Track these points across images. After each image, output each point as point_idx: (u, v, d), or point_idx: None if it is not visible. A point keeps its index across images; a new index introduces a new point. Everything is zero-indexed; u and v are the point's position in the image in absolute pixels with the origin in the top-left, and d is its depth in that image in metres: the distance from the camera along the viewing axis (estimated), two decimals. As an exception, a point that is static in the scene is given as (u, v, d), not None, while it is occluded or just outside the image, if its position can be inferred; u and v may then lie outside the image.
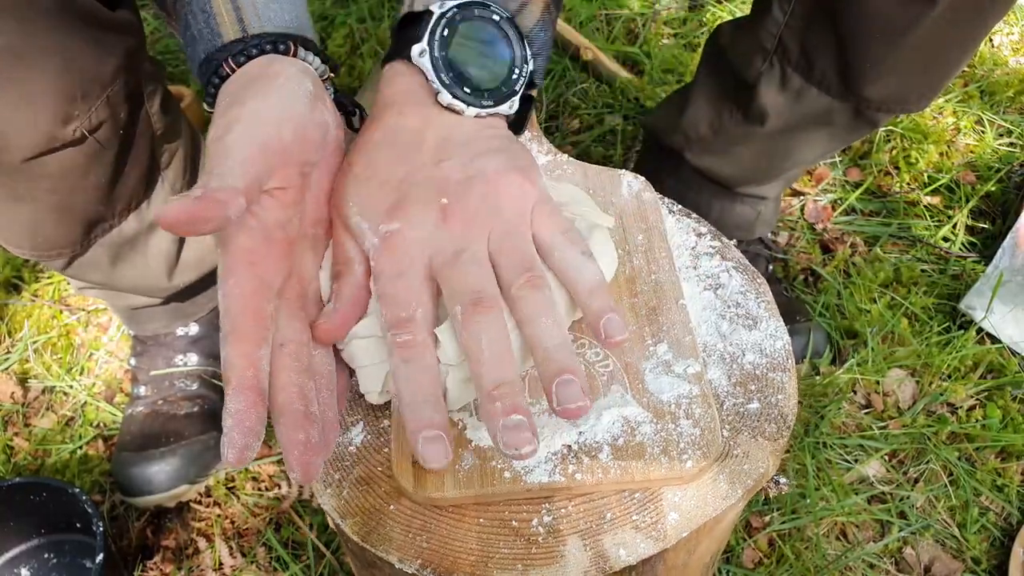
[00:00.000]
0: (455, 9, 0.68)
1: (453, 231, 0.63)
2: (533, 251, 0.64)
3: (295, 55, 0.68)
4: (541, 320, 0.60)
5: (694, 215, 0.81)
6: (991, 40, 1.88)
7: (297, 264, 0.65)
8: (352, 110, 0.74)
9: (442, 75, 0.67)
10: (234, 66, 0.65)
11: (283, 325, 0.61)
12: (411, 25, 0.69)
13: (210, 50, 0.67)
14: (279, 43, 0.67)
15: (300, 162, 0.63)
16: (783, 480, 1.22)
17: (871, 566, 1.17)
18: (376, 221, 0.64)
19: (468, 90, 0.67)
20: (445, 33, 0.67)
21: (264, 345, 0.59)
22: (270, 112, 0.62)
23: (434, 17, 0.67)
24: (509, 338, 0.60)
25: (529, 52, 0.70)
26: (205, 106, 0.69)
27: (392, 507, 0.62)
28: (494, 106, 0.68)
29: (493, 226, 0.63)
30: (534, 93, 0.75)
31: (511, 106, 0.70)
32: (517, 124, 0.75)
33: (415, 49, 0.67)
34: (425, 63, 0.67)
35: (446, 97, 0.67)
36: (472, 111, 0.68)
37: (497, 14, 0.69)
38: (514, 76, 0.69)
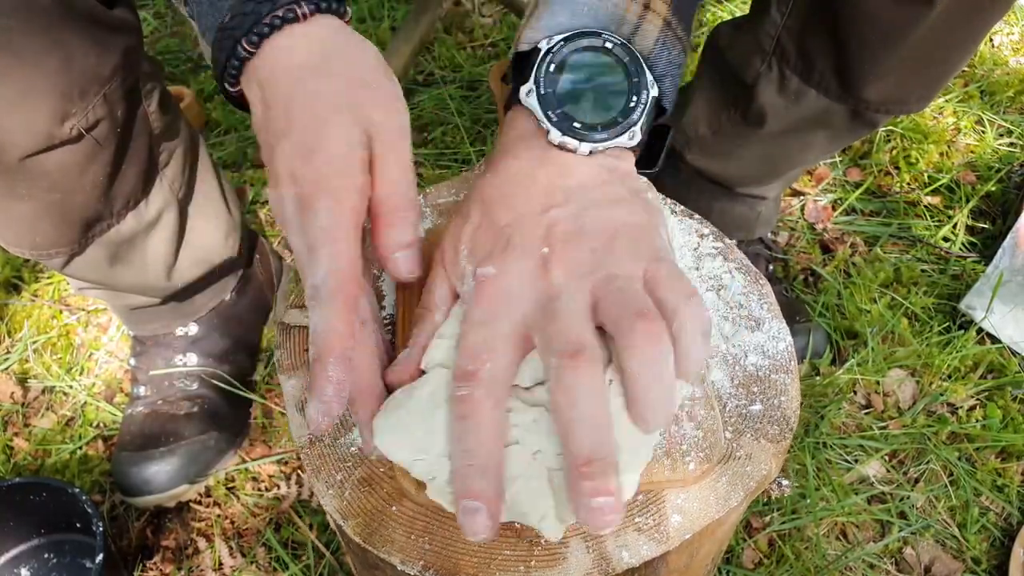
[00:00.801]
0: (561, 42, 0.64)
1: (551, 282, 0.59)
2: (647, 298, 0.56)
3: (323, 7, 0.66)
4: (651, 379, 0.53)
5: (696, 216, 0.81)
6: (991, 40, 1.88)
7: None
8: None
9: (550, 112, 0.63)
10: (268, 27, 0.64)
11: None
12: (521, 67, 0.66)
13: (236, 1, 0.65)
14: None
15: None
16: (785, 482, 1.22)
17: (871, 566, 1.17)
18: (477, 264, 0.61)
19: (579, 125, 0.63)
20: (551, 68, 0.64)
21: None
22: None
23: (540, 54, 0.64)
24: (607, 398, 0.54)
25: (650, 77, 0.65)
26: (227, 86, 0.68)
27: (394, 508, 0.62)
28: (609, 139, 0.63)
29: (597, 279, 0.58)
30: (667, 121, 0.69)
31: (631, 137, 0.64)
32: (651, 158, 0.70)
33: (523, 89, 0.64)
34: (532, 102, 0.63)
35: (556, 135, 0.63)
36: (586, 147, 0.63)
37: (610, 41, 0.65)
38: (631, 105, 0.64)
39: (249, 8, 0.65)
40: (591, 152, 0.63)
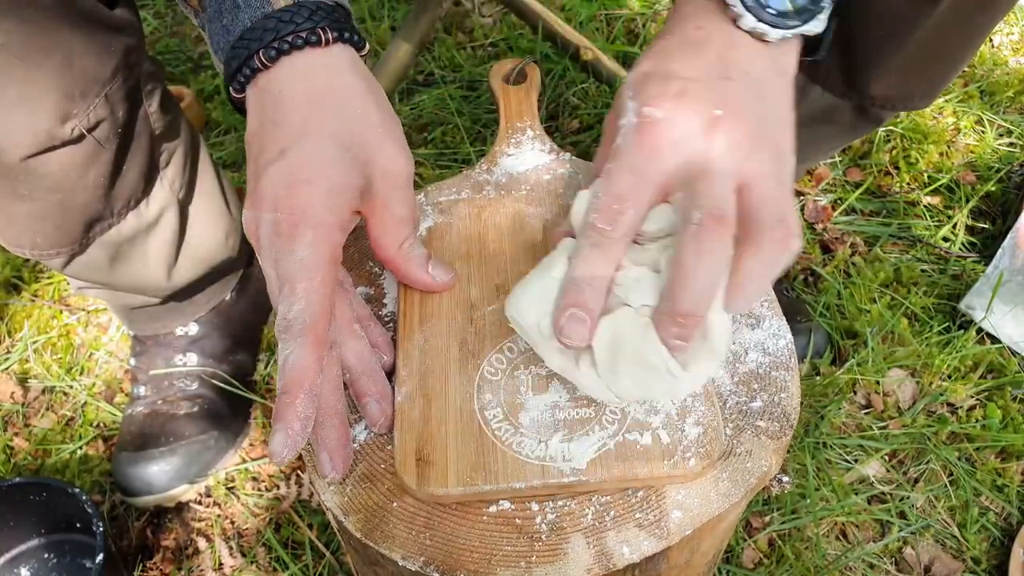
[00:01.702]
0: None
1: (714, 144, 0.60)
2: (788, 206, 0.60)
3: (346, 37, 0.68)
4: (760, 277, 0.59)
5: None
6: (991, 40, 1.88)
7: None
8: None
9: None
10: (288, 44, 0.65)
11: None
12: None
13: (257, 17, 0.66)
14: (333, 12, 0.67)
15: None
16: (786, 478, 1.22)
17: (871, 566, 1.17)
18: (643, 103, 0.61)
19: (773, 12, 0.62)
20: None
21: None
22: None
23: None
24: (724, 273, 0.59)
25: None
26: (232, 91, 0.68)
27: (395, 504, 0.62)
28: (801, 26, 0.64)
29: (753, 167, 0.60)
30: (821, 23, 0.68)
31: (820, 23, 0.64)
32: (815, 48, 0.70)
33: None
34: None
35: (749, 21, 0.62)
36: (777, 33, 0.63)
37: None
38: None
39: (271, 24, 0.65)
40: (781, 39, 0.63)
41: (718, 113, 0.60)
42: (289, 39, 0.65)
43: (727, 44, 0.63)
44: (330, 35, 0.67)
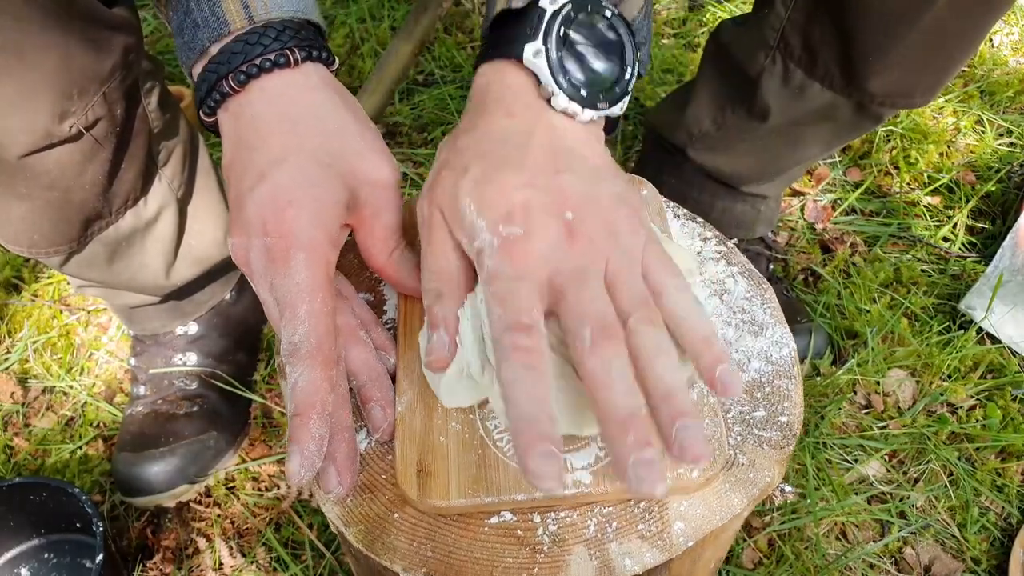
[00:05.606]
0: (569, 6, 0.63)
1: (576, 250, 0.58)
2: (646, 288, 0.59)
3: (314, 56, 0.68)
4: (661, 358, 0.54)
5: (699, 219, 0.80)
6: (991, 40, 1.88)
7: None
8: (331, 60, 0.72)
9: (559, 77, 0.62)
10: (257, 67, 0.65)
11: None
12: (511, 23, 0.65)
13: (215, 38, 0.67)
14: (300, 31, 0.67)
15: None
16: (788, 488, 1.22)
17: (871, 566, 1.17)
18: (495, 220, 0.59)
19: (585, 93, 0.63)
20: (562, 32, 0.63)
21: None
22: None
23: (548, 15, 0.63)
24: (631, 370, 0.54)
25: (635, 47, 0.66)
26: (202, 114, 0.69)
27: (396, 515, 0.62)
28: (609, 107, 0.64)
29: (611, 254, 0.59)
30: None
31: (622, 107, 0.65)
32: (609, 125, 0.70)
33: (529, 49, 0.63)
34: (540, 64, 0.62)
35: (561, 101, 0.62)
36: (588, 114, 0.63)
37: (608, 9, 0.65)
38: (627, 75, 0.65)
39: (239, 47, 0.65)
40: (590, 120, 0.64)
41: (569, 217, 0.59)
42: (257, 62, 0.65)
43: (546, 130, 0.63)
44: (299, 55, 0.67)
